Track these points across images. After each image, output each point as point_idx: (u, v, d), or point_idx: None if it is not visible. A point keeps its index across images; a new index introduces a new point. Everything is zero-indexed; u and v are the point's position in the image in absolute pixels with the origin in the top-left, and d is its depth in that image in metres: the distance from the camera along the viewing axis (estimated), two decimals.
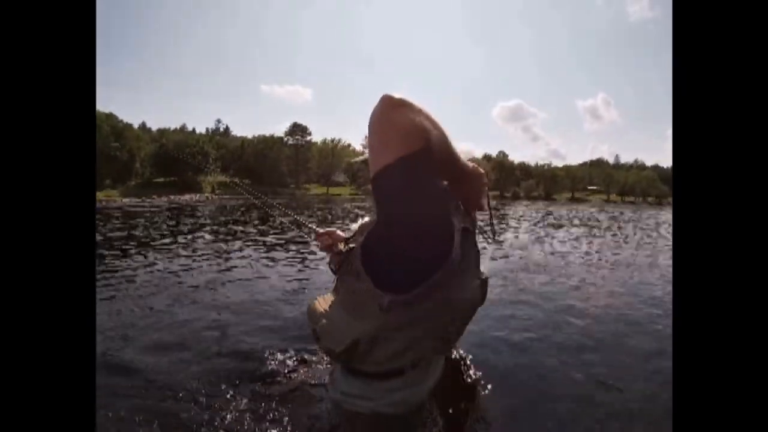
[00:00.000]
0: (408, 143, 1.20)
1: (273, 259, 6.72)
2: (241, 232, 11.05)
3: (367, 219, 1.62)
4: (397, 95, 1.19)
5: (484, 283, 1.54)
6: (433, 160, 1.31)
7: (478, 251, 1.52)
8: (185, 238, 9.35)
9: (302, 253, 7.24)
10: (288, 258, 6.88)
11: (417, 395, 1.52)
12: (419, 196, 1.28)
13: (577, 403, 2.39)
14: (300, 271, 5.88)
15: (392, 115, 1.19)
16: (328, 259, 1.77)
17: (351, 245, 1.52)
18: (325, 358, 2.58)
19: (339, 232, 1.95)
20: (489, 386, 2.46)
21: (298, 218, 2.45)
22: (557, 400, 2.41)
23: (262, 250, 7.68)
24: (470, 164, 1.45)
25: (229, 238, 9.77)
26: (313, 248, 7.20)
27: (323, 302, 1.55)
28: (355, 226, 1.66)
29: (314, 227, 2.12)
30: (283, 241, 8.78)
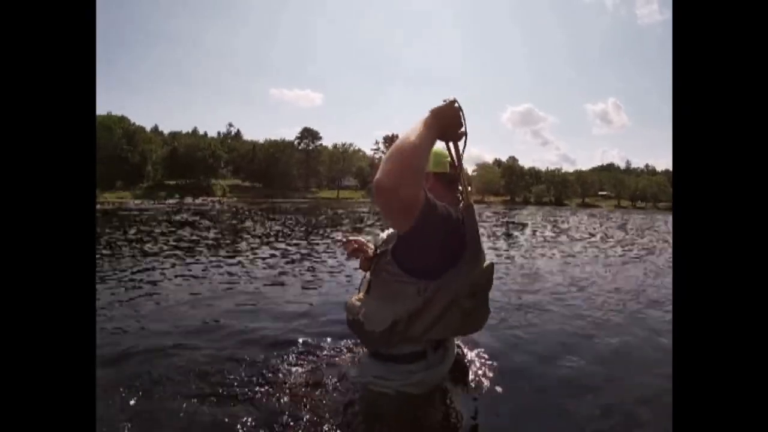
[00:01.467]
0: (415, 207, 1.42)
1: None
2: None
3: (391, 230, 1.81)
4: (384, 179, 1.32)
5: (490, 267, 1.74)
6: (432, 181, 1.77)
7: (479, 239, 1.70)
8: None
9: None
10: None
11: (435, 377, 1.83)
12: (436, 221, 1.52)
13: (586, 390, 2.46)
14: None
15: (393, 200, 1.36)
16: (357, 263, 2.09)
17: (381, 250, 1.80)
18: (349, 347, 2.80)
19: (362, 239, 2.15)
20: (501, 372, 2.58)
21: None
22: (569, 388, 2.49)
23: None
24: (431, 118, 1.50)
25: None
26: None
27: (358, 299, 1.87)
28: (383, 236, 1.91)
29: (341, 237, 2.35)
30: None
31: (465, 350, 2.67)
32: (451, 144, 1.66)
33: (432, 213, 1.49)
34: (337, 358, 2.63)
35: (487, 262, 1.72)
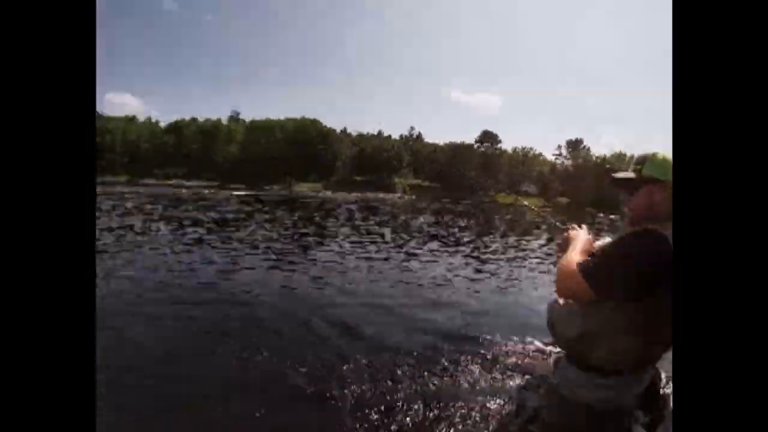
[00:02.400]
0: (588, 294, 1.53)
1: None
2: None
3: (608, 238, 1.87)
4: (560, 292, 1.67)
5: None
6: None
7: None
8: None
9: None
10: None
11: (625, 398, 1.71)
12: (632, 256, 1.51)
13: None
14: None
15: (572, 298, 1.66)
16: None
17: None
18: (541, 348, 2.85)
19: (583, 232, 2.03)
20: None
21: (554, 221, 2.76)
22: None
23: None
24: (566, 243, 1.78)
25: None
26: None
27: (561, 300, 1.83)
28: (601, 242, 1.88)
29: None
30: None
31: (663, 376, 2.37)
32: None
33: (622, 258, 1.51)
34: (527, 358, 2.60)
35: None
